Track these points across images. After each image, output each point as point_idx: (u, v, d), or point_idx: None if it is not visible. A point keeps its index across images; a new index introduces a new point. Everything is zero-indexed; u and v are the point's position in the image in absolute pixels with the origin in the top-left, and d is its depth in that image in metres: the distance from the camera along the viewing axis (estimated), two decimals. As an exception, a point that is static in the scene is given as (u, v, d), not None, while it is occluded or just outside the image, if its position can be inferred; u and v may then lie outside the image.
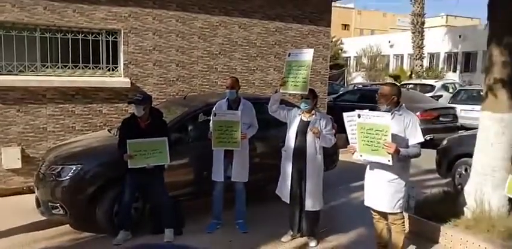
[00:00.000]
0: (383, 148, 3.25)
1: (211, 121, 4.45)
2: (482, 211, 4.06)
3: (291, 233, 4.28)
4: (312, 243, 4.17)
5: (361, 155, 3.48)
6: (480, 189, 4.15)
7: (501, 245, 3.69)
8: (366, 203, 3.72)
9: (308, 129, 4.02)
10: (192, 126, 5.07)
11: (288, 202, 4.14)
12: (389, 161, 3.26)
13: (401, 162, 3.44)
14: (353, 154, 3.59)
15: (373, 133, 3.33)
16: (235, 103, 4.52)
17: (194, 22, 8.07)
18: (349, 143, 3.63)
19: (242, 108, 4.46)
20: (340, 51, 32.14)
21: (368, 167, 3.68)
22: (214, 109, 4.51)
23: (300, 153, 4.04)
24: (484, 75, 4.46)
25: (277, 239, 4.26)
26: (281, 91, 4.12)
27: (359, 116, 3.42)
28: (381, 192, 3.54)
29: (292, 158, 4.06)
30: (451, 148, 5.87)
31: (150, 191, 4.30)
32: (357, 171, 6.67)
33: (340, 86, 19.57)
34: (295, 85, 4.02)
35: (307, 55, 4.04)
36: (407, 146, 3.40)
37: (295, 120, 4.13)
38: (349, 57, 32.38)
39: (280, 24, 9.00)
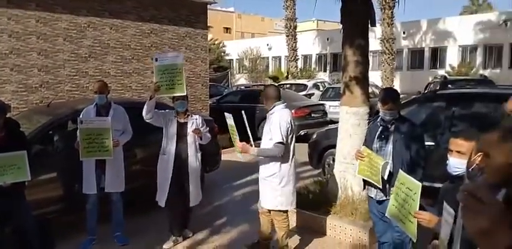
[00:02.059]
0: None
1: (78, 130, 4.13)
2: (347, 197, 4.50)
3: (173, 238, 4.23)
4: (188, 234, 4.36)
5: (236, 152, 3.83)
6: (343, 176, 4.58)
7: (362, 226, 4.13)
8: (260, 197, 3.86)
9: (188, 131, 4.12)
10: (58, 136, 4.66)
11: (163, 205, 4.12)
12: (241, 158, 3.72)
13: (274, 160, 3.60)
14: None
15: (233, 133, 3.70)
16: (105, 109, 4.26)
17: (58, 23, 7.44)
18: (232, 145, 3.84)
19: (113, 114, 4.23)
20: (223, 53, 32.71)
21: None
22: (80, 116, 4.19)
23: (181, 155, 4.11)
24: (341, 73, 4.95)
25: (159, 247, 4.15)
26: (156, 96, 4.02)
27: (226, 116, 3.73)
28: (262, 189, 3.72)
29: (173, 160, 4.08)
30: (320, 141, 6.40)
31: (10, 213, 3.80)
32: (240, 170, 6.92)
33: (224, 88, 19.94)
34: (170, 88, 4.00)
35: (177, 58, 4.07)
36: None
37: (171, 123, 4.14)
38: (232, 59, 33.17)
39: (156, 26, 8.82)
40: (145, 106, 3.98)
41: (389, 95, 3.31)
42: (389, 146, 3.24)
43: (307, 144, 6.82)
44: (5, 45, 6.84)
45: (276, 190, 3.62)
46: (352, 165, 4.54)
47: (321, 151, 6.29)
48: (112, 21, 8.14)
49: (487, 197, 0.83)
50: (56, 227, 4.26)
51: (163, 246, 4.15)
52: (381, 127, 3.31)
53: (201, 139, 4.19)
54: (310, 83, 15.98)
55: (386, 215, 2.70)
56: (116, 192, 4.21)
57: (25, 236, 3.83)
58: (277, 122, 3.54)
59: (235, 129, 3.67)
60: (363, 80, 4.74)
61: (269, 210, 3.77)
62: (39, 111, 5.39)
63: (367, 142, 3.41)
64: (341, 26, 4.95)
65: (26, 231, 3.82)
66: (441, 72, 20.47)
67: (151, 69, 8.80)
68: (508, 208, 0.84)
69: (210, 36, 23.06)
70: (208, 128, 4.36)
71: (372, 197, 3.39)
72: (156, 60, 4.11)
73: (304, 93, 14.16)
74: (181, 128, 4.13)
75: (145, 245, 4.20)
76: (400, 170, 2.63)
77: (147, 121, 4.09)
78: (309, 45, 27.83)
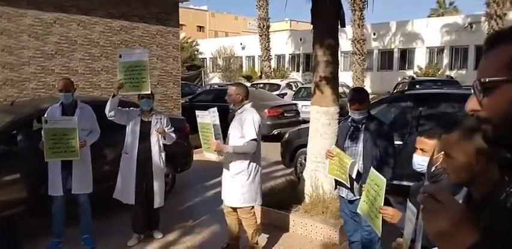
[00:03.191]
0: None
1: (42, 129, 3.99)
2: (318, 195, 4.54)
3: (136, 235, 4.23)
4: (158, 235, 4.31)
5: (204, 152, 3.71)
6: (315, 175, 4.63)
7: (333, 224, 4.18)
8: (222, 197, 3.84)
9: (152, 130, 4.08)
10: (22, 136, 4.48)
11: (133, 203, 4.08)
12: (217, 158, 3.58)
13: (243, 157, 3.60)
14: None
15: (205, 131, 3.59)
16: (71, 108, 4.13)
17: (22, 19, 7.17)
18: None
19: (79, 113, 4.10)
20: (196, 52, 32.43)
21: (223, 163, 3.82)
22: (45, 115, 4.05)
23: (144, 154, 4.07)
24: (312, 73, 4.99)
25: (125, 245, 4.12)
26: (120, 93, 3.96)
27: (197, 116, 3.59)
28: (228, 187, 3.70)
29: (136, 160, 4.04)
30: (292, 140, 6.44)
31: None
32: (212, 170, 6.86)
33: (197, 87, 19.74)
34: (135, 86, 3.95)
35: (142, 55, 4.02)
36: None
37: (135, 122, 4.11)
38: (206, 58, 32.95)
39: (126, 23, 8.63)
40: (108, 104, 3.93)
41: (357, 95, 3.35)
42: (360, 146, 3.27)
43: (279, 143, 6.86)
44: (-35, 41, 6.53)
45: (242, 187, 3.64)
46: (323, 164, 4.58)
47: (293, 150, 6.33)
48: (80, 17, 7.91)
49: (447, 199, 0.83)
50: (22, 229, 4.11)
51: (128, 244, 4.13)
52: (351, 127, 3.35)
53: (164, 138, 4.14)
54: (283, 83, 16.07)
55: (357, 211, 2.74)
56: (84, 193, 4.10)
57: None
58: (251, 120, 3.57)
59: (210, 127, 3.60)
60: (333, 80, 4.79)
61: (234, 209, 3.78)
62: (3, 110, 5.19)
63: (339, 142, 3.45)
64: (312, 26, 5.00)
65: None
66: (410, 73, 21.05)
67: (122, 67, 8.63)
68: (468, 208, 0.85)
69: (182, 35, 22.80)
70: (173, 128, 4.28)
71: (343, 197, 3.43)
72: (120, 56, 4.04)
73: (277, 92, 14.22)
74: (145, 127, 4.11)
75: (113, 246, 4.12)
76: (371, 167, 2.68)
77: (110, 118, 4.03)
78: (282, 45, 28.00)
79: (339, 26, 4.94)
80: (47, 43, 7.40)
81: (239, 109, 3.66)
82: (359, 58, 22.57)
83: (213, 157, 3.62)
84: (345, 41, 20.63)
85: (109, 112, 3.94)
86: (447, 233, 0.80)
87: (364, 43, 22.51)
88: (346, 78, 18.91)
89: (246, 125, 3.55)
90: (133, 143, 4.07)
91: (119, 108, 4.03)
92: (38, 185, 4.20)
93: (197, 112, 3.75)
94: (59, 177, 4.00)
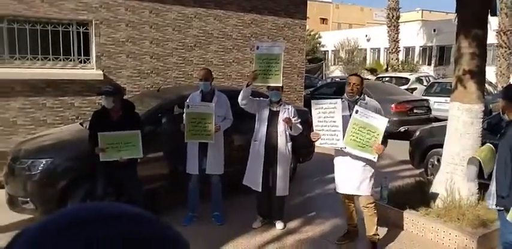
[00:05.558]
0: (371, 147, 3.45)
1: (184, 113, 4.40)
2: (453, 200, 4.16)
3: (261, 219, 4.41)
4: (279, 226, 4.36)
5: (345, 147, 3.59)
6: (450, 178, 4.24)
7: (470, 233, 3.79)
8: (339, 190, 3.80)
9: (279, 119, 4.17)
10: (166, 119, 4.99)
11: (260, 190, 4.24)
12: (374, 158, 3.50)
13: None
14: (316, 140, 3.72)
15: (364, 132, 3.48)
16: (209, 95, 4.46)
17: (168, 13, 7.93)
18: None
19: (216, 100, 4.42)
20: (318, 44, 32.24)
21: (337, 155, 3.78)
22: (187, 101, 4.45)
23: (271, 142, 4.19)
24: (454, 66, 4.55)
25: (250, 226, 4.35)
26: (254, 84, 4.12)
27: (356, 112, 3.52)
28: (356, 177, 3.67)
29: (264, 147, 4.18)
30: (423, 139, 5.98)
31: (123, 185, 4.23)
32: (332, 162, 6.79)
33: (318, 79, 19.64)
34: (268, 78, 4.07)
35: (278, 48, 4.11)
36: None
37: (264, 111, 4.25)
38: (327, 50, 32.53)
39: (256, 17, 8.94)
40: (241, 93, 4.12)
41: (507, 93, 2.96)
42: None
43: (407, 141, 6.44)
44: (122, 34, 7.48)
45: (372, 177, 3.69)
46: (462, 167, 4.19)
47: (424, 150, 5.87)
48: (216, 11, 8.44)
49: None
50: (162, 202, 4.63)
51: (253, 226, 4.36)
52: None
53: (290, 129, 4.17)
54: (412, 77, 14.96)
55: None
56: (216, 174, 4.42)
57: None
58: (381, 109, 3.63)
59: (378, 131, 3.45)
60: (478, 74, 4.33)
61: (351, 200, 3.85)
62: (151, 95, 5.83)
63: None
64: (455, 15, 4.56)
65: (135, 202, 4.20)
66: None
67: (250, 59, 8.98)
68: None
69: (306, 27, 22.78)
70: (300, 119, 4.30)
71: None
72: (258, 48, 4.18)
73: (405, 87, 13.33)
74: (273, 116, 4.22)
75: (239, 225, 4.38)
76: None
77: (242, 107, 4.22)
78: (412, 36, 26.04)
79: (489, 15, 4.41)
80: (188, 36, 8.08)
81: (362, 99, 3.67)
82: (505, 51, 19.81)
83: (366, 155, 3.52)
84: (489, 32, 18.29)
85: (242, 100, 4.13)
86: None
87: (511, 35, 19.69)
88: (488, 73, 16.78)
89: (380, 113, 3.57)
90: (262, 131, 4.22)
91: (251, 97, 4.20)
92: (177, 163, 4.65)
93: (357, 108, 3.55)
94: (195, 157, 4.38)
